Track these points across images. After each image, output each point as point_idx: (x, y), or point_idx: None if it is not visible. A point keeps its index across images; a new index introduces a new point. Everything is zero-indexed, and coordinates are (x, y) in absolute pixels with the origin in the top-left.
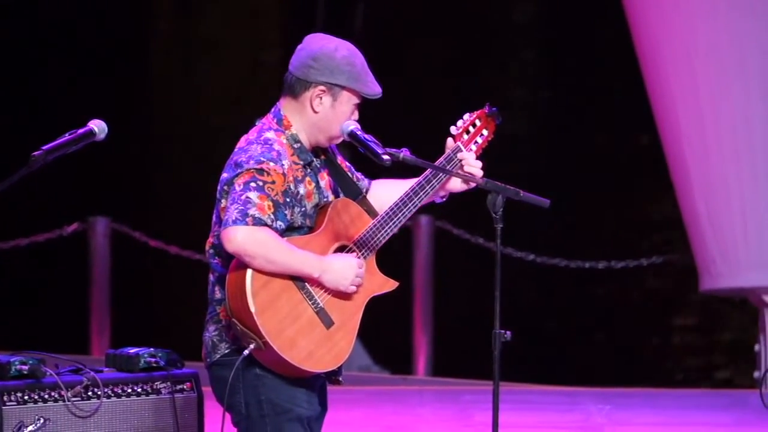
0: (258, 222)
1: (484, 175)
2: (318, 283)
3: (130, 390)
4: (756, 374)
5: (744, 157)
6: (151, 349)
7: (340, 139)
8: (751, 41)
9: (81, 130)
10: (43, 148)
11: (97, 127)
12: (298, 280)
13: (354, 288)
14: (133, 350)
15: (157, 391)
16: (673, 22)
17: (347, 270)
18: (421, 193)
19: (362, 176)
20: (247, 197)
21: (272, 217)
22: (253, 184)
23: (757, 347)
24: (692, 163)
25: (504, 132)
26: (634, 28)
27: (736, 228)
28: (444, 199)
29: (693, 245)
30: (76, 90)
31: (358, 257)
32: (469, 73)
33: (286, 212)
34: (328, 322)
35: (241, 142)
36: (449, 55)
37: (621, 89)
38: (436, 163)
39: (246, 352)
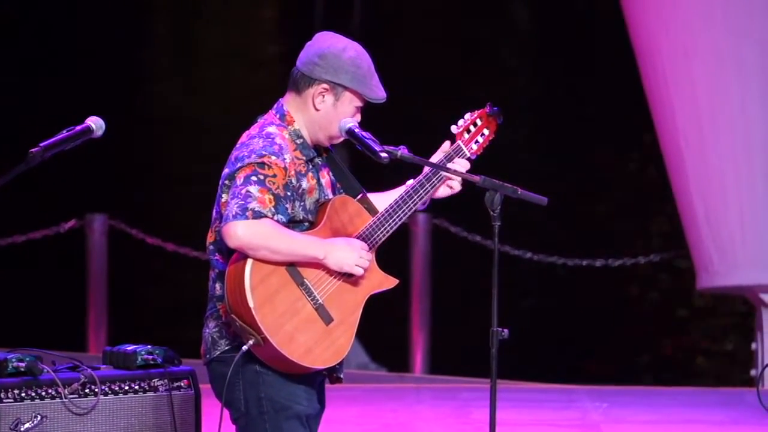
0: (258, 215)
1: (482, 174)
2: (318, 279)
3: (127, 387)
4: (753, 372)
5: (741, 156)
6: (149, 346)
7: (341, 139)
8: (749, 40)
9: (79, 127)
10: (41, 144)
11: (95, 123)
12: (298, 276)
13: (360, 270)
14: (130, 347)
15: (155, 389)
16: (672, 22)
17: (352, 250)
18: (421, 191)
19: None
20: (248, 191)
21: (273, 210)
22: (254, 178)
23: (754, 345)
24: (689, 162)
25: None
26: (631, 28)
27: (733, 226)
28: (425, 206)
29: (690, 244)
30: (74, 86)
31: (364, 248)
32: (466, 73)
33: (287, 206)
34: (327, 319)
35: (243, 137)
36: (446, 52)
37: (621, 90)
38: (435, 161)
39: (245, 348)
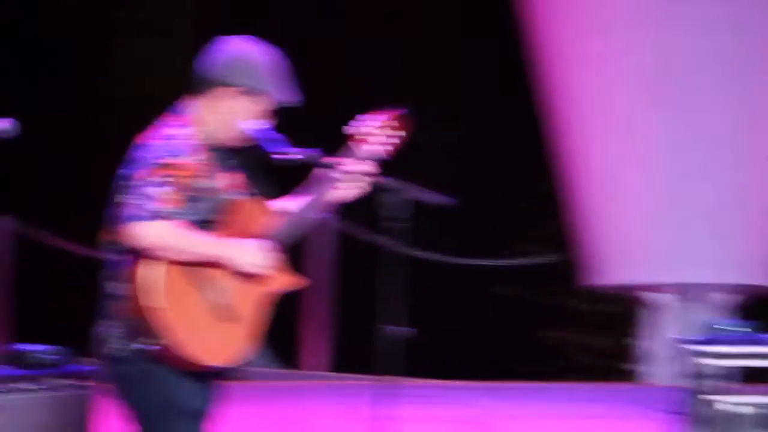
0: (159, 216)
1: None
2: (221, 279)
3: (28, 386)
4: (630, 367)
5: (634, 161)
6: (45, 346)
7: (244, 140)
8: (644, 50)
9: None
10: None
11: (4, 126)
12: (201, 276)
13: (262, 270)
14: (26, 347)
15: (49, 387)
16: (567, 31)
17: (257, 251)
18: (319, 196)
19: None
20: (150, 192)
21: (175, 210)
22: (155, 179)
23: (630, 341)
24: (582, 166)
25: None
26: (528, 36)
27: (621, 229)
28: (328, 212)
29: (581, 245)
30: None
31: (266, 248)
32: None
33: (191, 205)
34: (230, 318)
35: (142, 138)
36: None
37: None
38: (335, 157)
39: (145, 347)
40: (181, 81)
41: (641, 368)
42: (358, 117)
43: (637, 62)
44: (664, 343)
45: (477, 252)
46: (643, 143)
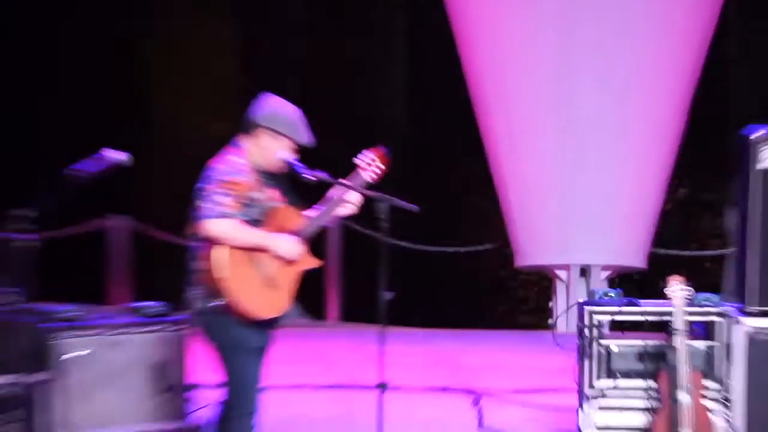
0: (225, 216)
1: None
2: (267, 260)
3: (141, 329)
4: (549, 321)
5: (549, 155)
6: (154, 302)
7: (281, 166)
8: (545, 54)
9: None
10: (77, 171)
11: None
12: (254, 258)
13: (294, 255)
14: (141, 303)
15: (157, 330)
16: (491, 28)
17: (289, 242)
18: (330, 209)
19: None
20: (217, 199)
21: (234, 212)
22: (221, 191)
23: (550, 303)
24: (505, 160)
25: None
26: (460, 42)
27: (536, 222)
28: (337, 220)
29: (509, 232)
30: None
31: (298, 240)
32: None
33: (248, 210)
34: (273, 286)
35: (212, 162)
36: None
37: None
38: (343, 182)
39: (218, 304)
40: (237, 126)
41: (557, 321)
42: (361, 153)
43: (541, 70)
44: (571, 305)
45: (439, 241)
46: (548, 149)
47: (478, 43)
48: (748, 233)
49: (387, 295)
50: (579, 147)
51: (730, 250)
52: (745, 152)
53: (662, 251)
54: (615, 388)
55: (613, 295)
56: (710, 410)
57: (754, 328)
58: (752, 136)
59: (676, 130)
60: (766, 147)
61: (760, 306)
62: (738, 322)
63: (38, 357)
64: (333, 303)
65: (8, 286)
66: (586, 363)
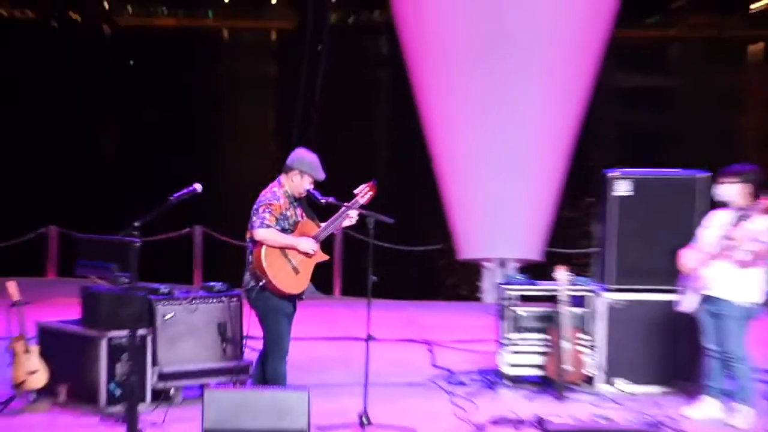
0: (267, 226)
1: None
2: (293, 255)
3: (211, 300)
4: (478, 294)
5: (480, 158)
6: (219, 283)
7: (305, 194)
8: (489, 71)
9: (187, 190)
10: (176, 197)
11: (197, 189)
12: (285, 254)
13: (312, 252)
14: (211, 283)
15: (222, 301)
16: (434, 48)
17: (308, 242)
18: (337, 221)
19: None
20: (264, 215)
21: (273, 224)
22: (267, 209)
23: (480, 283)
24: (447, 180)
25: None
26: (408, 61)
27: (470, 225)
28: (339, 232)
29: (452, 234)
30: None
31: (314, 242)
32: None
33: (282, 223)
34: (297, 272)
35: (263, 191)
36: None
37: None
38: (345, 204)
39: (260, 283)
40: (279, 167)
41: (485, 295)
42: (359, 186)
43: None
44: (493, 284)
45: (409, 242)
46: (478, 170)
47: (425, 66)
48: (607, 237)
49: (372, 279)
50: (498, 168)
51: (596, 249)
52: (605, 184)
53: (553, 249)
54: (522, 339)
55: (520, 278)
56: (583, 353)
57: (612, 299)
58: (609, 174)
59: (564, 167)
60: (620, 181)
61: (616, 285)
62: (601, 295)
63: (143, 318)
64: (337, 283)
65: (123, 272)
66: (503, 322)
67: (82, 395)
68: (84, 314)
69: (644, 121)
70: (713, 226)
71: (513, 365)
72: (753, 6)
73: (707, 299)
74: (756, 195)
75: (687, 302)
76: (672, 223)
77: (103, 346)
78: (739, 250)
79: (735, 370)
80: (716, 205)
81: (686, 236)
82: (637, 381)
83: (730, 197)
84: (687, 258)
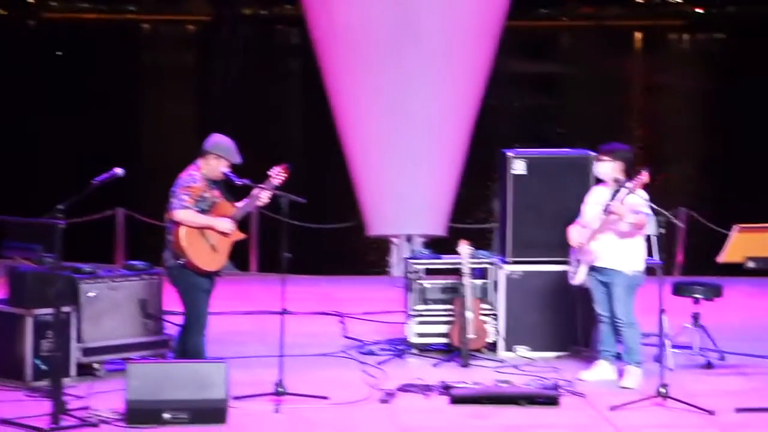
0: (185, 207)
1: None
2: (211, 234)
3: (133, 278)
4: (387, 269)
5: (391, 141)
6: (141, 262)
7: (221, 176)
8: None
9: (108, 174)
10: (97, 181)
11: (119, 172)
12: (203, 233)
13: (229, 231)
14: (132, 262)
15: (143, 279)
16: (345, 37)
17: (225, 222)
18: (252, 201)
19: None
20: (181, 197)
21: (191, 205)
22: (185, 191)
23: (389, 258)
24: (355, 161)
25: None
26: (323, 64)
27: (378, 203)
28: (255, 209)
29: (361, 212)
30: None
31: (231, 222)
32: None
33: (200, 204)
34: (216, 250)
35: (181, 174)
36: None
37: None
38: (260, 186)
39: (180, 261)
40: (197, 152)
41: (393, 269)
42: (273, 168)
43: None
44: (401, 259)
45: (321, 220)
46: (384, 151)
47: (335, 58)
48: (507, 214)
49: (287, 256)
50: (404, 150)
51: (495, 224)
52: (504, 163)
53: (456, 225)
54: (428, 310)
55: (426, 252)
56: (485, 322)
57: (510, 271)
58: (507, 154)
59: (465, 149)
60: (516, 161)
61: (513, 257)
62: (501, 267)
63: (68, 296)
64: (253, 260)
65: (48, 252)
66: (410, 294)
67: (9, 371)
68: (10, 293)
69: (539, 104)
70: (593, 203)
71: (420, 335)
72: None
73: (596, 269)
74: (628, 172)
75: (579, 275)
76: (564, 199)
77: (29, 323)
78: (622, 222)
79: (624, 335)
80: (600, 181)
81: (577, 212)
82: (535, 347)
83: (605, 174)
84: (573, 233)
